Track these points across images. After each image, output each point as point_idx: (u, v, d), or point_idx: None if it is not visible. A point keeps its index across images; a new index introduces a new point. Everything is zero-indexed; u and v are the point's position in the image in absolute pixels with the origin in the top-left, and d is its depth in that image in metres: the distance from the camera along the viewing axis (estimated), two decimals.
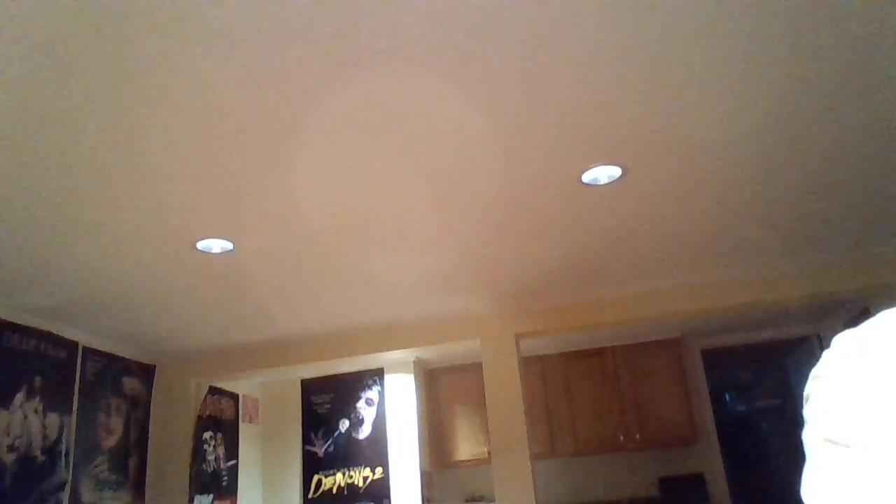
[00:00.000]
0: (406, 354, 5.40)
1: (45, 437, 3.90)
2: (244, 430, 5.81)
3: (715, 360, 6.28)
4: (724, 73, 2.20)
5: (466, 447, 5.89)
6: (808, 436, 0.56)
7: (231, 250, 3.26)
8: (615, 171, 2.82)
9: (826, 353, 0.58)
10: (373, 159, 2.56)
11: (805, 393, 0.58)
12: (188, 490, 4.85)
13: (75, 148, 2.29)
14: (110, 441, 4.50)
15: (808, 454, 0.56)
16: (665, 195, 3.10)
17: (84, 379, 4.31)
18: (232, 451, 5.56)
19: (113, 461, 4.49)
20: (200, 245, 3.17)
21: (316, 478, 5.79)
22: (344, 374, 5.90)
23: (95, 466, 4.32)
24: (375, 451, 5.69)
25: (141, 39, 1.82)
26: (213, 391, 5.39)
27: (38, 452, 3.84)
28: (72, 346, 4.23)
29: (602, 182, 2.90)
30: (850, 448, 0.51)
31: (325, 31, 1.85)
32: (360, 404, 5.86)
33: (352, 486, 5.67)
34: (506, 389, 4.66)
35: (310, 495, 5.77)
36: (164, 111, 2.14)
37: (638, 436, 5.69)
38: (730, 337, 6.12)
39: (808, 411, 0.57)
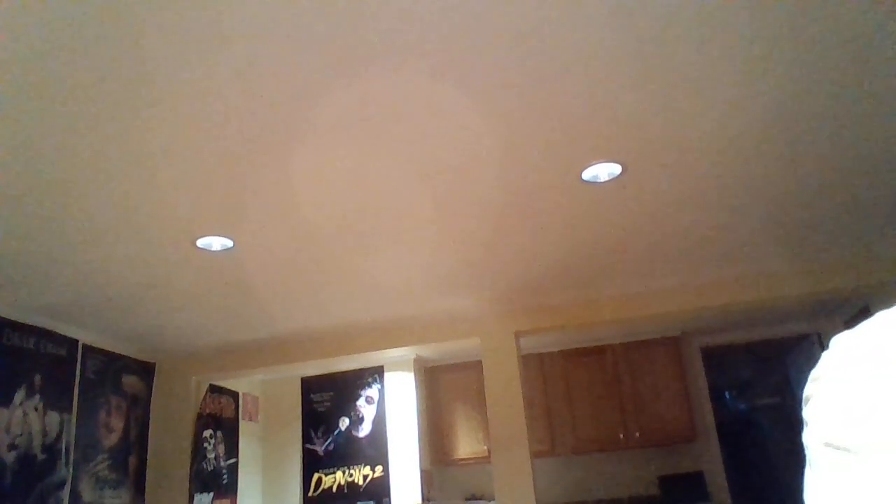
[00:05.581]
0: (406, 352, 5.40)
1: (45, 436, 3.91)
2: (244, 428, 5.81)
3: (715, 358, 6.29)
4: (724, 70, 2.19)
5: (466, 445, 5.90)
6: (808, 439, 0.56)
7: (231, 248, 3.26)
8: (615, 169, 2.81)
9: (825, 355, 0.58)
10: (373, 158, 2.56)
11: (804, 395, 0.58)
12: (188, 488, 4.85)
13: (76, 146, 2.29)
14: (110, 439, 4.51)
15: (809, 458, 0.55)
16: (665, 193, 3.09)
17: (84, 377, 4.31)
18: (232, 450, 5.57)
19: (113, 459, 4.50)
20: (200, 243, 3.17)
21: (316, 476, 5.80)
22: (344, 373, 5.91)
23: (95, 465, 4.32)
24: (375, 450, 5.69)
25: (141, 40, 1.81)
26: (213, 389, 5.39)
27: (38, 451, 3.84)
28: (72, 344, 4.24)
29: (602, 179, 2.90)
30: (851, 453, 0.50)
31: (326, 31, 1.85)
32: (360, 402, 5.86)
33: (352, 485, 5.67)
34: (505, 387, 4.66)
35: (310, 493, 5.77)
36: (165, 109, 2.14)
37: (638, 434, 5.69)
38: (730, 335, 6.12)
39: (807, 414, 0.57)
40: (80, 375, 4.29)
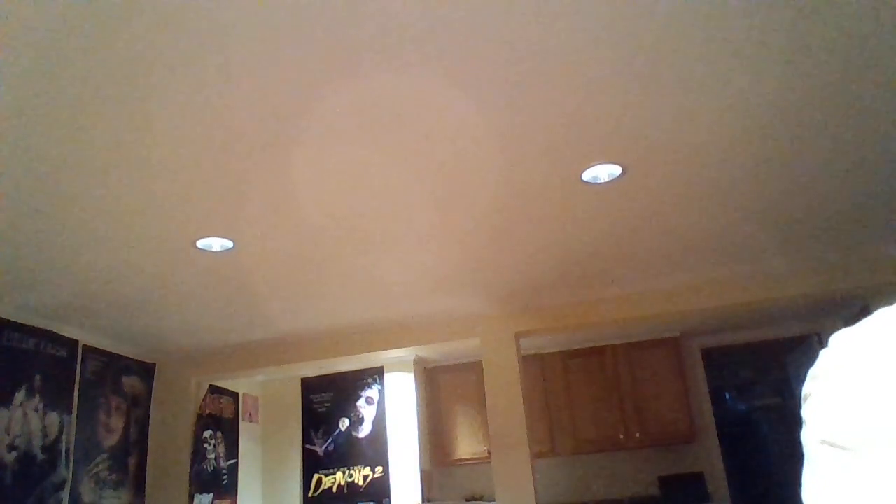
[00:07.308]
0: (406, 353, 5.40)
1: (45, 436, 3.91)
2: (244, 428, 5.81)
3: (715, 358, 6.29)
4: (724, 71, 2.20)
5: (466, 446, 5.89)
6: (806, 437, 0.56)
7: (231, 249, 3.26)
8: (615, 170, 2.82)
9: (823, 353, 0.58)
10: (373, 158, 2.56)
11: (803, 393, 0.58)
12: (188, 489, 4.85)
13: (75, 146, 2.29)
14: (110, 440, 4.51)
15: (807, 456, 0.55)
16: (665, 194, 3.10)
17: (84, 378, 4.31)
18: (232, 450, 5.57)
19: (113, 460, 4.50)
20: (200, 244, 3.17)
21: (316, 476, 5.79)
22: (344, 373, 5.90)
23: (95, 465, 4.32)
24: (375, 450, 5.69)
25: (141, 39, 1.81)
26: (213, 390, 5.39)
27: (38, 451, 3.84)
28: (72, 344, 4.24)
29: (602, 180, 2.90)
30: (848, 451, 0.51)
31: (325, 30, 1.85)
32: (360, 403, 5.86)
33: (352, 485, 5.67)
34: (506, 388, 4.66)
35: (310, 494, 5.77)
36: (165, 109, 2.14)
37: (638, 434, 5.69)
38: (730, 336, 6.12)
39: (806, 412, 0.57)
40: (80, 376, 4.28)
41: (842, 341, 0.56)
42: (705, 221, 3.47)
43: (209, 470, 5.19)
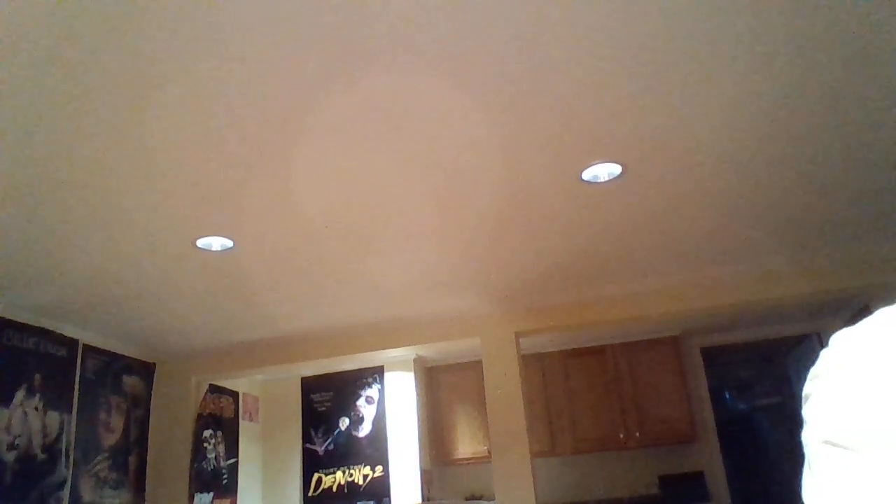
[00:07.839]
0: (406, 352, 5.40)
1: (45, 436, 3.91)
2: (244, 428, 5.81)
3: (715, 358, 6.29)
4: (724, 71, 2.20)
5: (466, 445, 5.90)
6: (807, 437, 0.56)
7: (231, 248, 3.26)
8: (615, 169, 2.82)
9: (824, 352, 0.58)
10: (373, 158, 2.56)
11: (804, 393, 0.58)
12: (188, 488, 4.85)
13: (75, 146, 2.29)
14: (110, 439, 4.51)
15: (808, 456, 0.55)
16: (665, 193, 3.10)
17: (84, 377, 4.31)
18: (232, 450, 5.57)
19: (113, 459, 4.50)
20: (200, 243, 3.17)
21: (316, 476, 5.80)
22: (344, 372, 5.91)
23: (95, 465, 4.32)
24: (375, 449, 5.69)
25: (142, 38, 1.81)
26: (213, 389, 5.39)
27: (38, 451, 3.84)
28: (72, 344, 4.24)
29: (602, 180, 2.90)
30: (850, 451, 0.50)
31: (326, 30, 1.85)
32: (360, 402, 5.86)
33: (352, 485, 5.67)
34: (506, 387, 4.66)
35: (310, 493, 5.77)
36: (165, 109, 2.14)
37: (638, 434, 5.69)
38: (730, 335, 6.12)
39: (807, 412, 0.57)
40: (80, 375, 4.28)
41: (842, 341, 0.56)
42: (705, 221, 3.46)
43: (209, 469, 5.19)
